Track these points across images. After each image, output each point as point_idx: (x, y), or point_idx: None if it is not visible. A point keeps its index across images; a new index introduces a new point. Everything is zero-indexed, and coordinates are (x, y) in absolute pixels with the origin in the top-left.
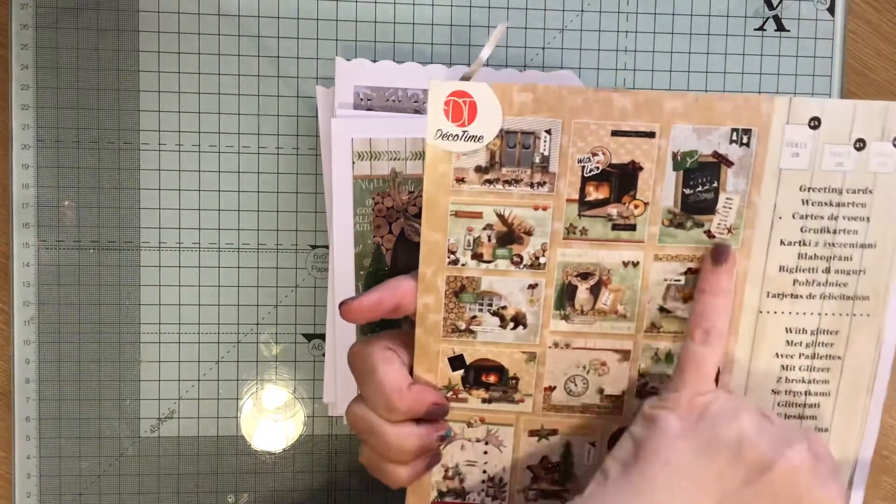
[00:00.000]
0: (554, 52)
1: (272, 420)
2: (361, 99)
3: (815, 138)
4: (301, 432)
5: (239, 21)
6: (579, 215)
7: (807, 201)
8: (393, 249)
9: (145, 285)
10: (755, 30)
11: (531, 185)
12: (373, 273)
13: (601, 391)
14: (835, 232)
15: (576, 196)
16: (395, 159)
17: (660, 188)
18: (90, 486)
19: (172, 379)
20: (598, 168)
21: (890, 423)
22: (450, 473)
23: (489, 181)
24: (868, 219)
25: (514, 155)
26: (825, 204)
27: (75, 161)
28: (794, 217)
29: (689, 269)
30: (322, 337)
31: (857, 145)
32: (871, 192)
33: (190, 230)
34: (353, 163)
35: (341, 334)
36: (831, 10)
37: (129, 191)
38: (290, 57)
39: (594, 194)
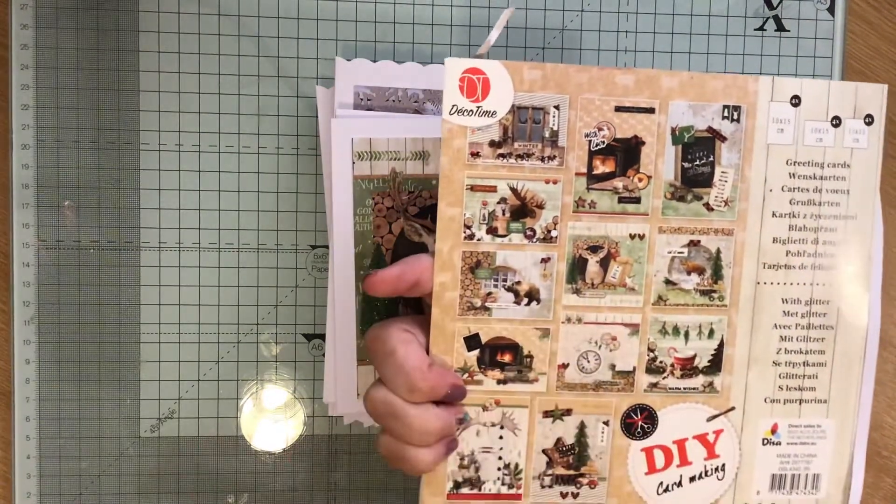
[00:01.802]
0: (554, 52)
1: (272, 420)
2: (361, 99)
3: (797, 115)
4: (301, 432)
5: (239, 21)
6: (588, 188)
7: (793, 175)
8: (393, 249)
9: (145, 285)
10: (755, 30)
11: (542, 159)
12: None
13: (612, 367)
14: (820, 204)
15: (584, 170)
16: (395, 159)
17: (661, 162)
18: (90, 486)
19: (172, 379)
20: (603, 142)
21: (890, 423)
22: (465, 462)
23: (502, 155)
24: (848, 191)
25: (526, 129)
26: (809, 177)
27: (75, 161)
28: (783, 190)
29: (692, 241)
30: (322, 337)
31: (834, 122)
32: (848, 166)
33: (190, 230)
34: (353, 163)
35: (341, 334)
36: (831, 10)
37: (129, 191)
38: (290, 57)
39: (601, 167)
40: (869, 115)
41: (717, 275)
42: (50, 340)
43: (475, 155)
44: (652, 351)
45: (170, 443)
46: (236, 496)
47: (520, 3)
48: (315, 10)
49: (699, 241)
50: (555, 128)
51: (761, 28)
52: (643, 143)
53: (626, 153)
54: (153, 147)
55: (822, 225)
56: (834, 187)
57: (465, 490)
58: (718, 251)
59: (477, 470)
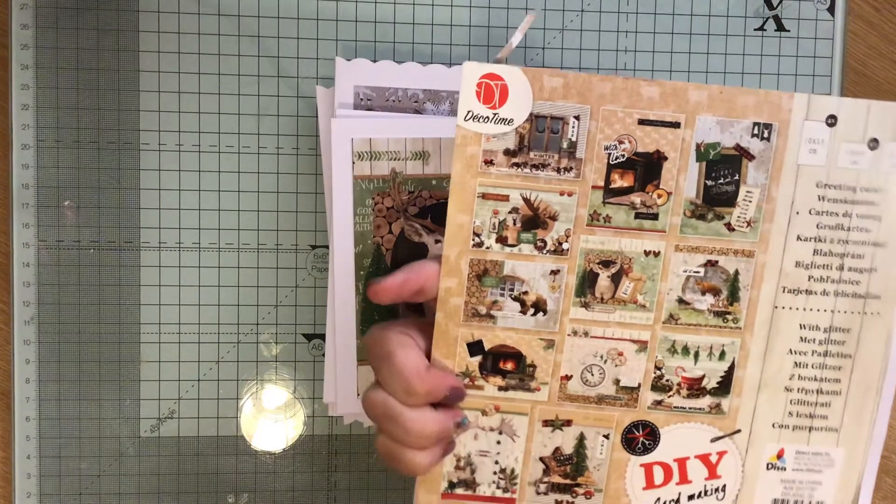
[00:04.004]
0: (554, 52)
1: (272, 420)
2: (361, 99)
3: (832, 136)
4: (301, 432)
5: (239, 21)
6: (604, 202)
7: (823, 198)
8: (393, 249)
9: (145, 285)
10: (755, 30)
11: (558, 171)
12: (373, 273)
13: (617, 382)
14: (849, 229)
15: (601, 183)
16: (395, 159)
17: (683, 178)
18: (90, 486)
19: (172, 379)
20: (623, 156)
21: (890, 423)
22: (461, 464)
23: (517, 164)
24: (880, 218)
25: (543, 139)
26: (840, 201)
27: (75, 161)
28: (810, 213)
29: (709, 261)
30: (322, 337)
31: (871, 144)
32: (883, 191)
33: (190, 230)
34: (353, 163)
35: (341, 334)
36: (831, 10)
37: (129, 191)
38: (290, 57)
39: (619, 182)
40: None
41: (733, 297)
42: (50, 340)
43: (489, 163)
44: (659, 369)
45: (170, 443)
46: (236, 496)
47: (520, 4)
48: (315, 10)
49: (717, 262)
50: (573, 139)
51: (761, 28)
52: (665, 158)
53: (646, 168)
54: (153, 147)
55: (848, 251)
56: (865, 212)
57: (459, 490)
58: (737, 273)
59: (473, 472)
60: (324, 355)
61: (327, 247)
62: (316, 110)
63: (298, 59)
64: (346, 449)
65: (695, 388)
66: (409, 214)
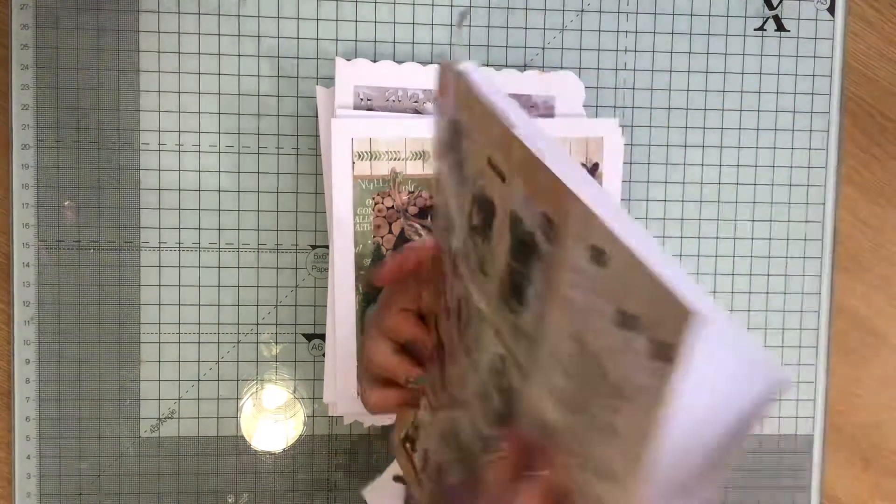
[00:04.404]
0: (554, 52)
1: (272, 420)
2: (361, 99)
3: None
4: (301, 432)
5: (239, 21)
6: (468, 234)
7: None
8: (393, 249)
9: (145, 285)
10: (755, 30)
11: (457, 183)
12: None
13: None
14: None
15: (468, 209)
16: (395, 159)
17: (501, 247)
18: (90, 486)
19: (172, 379)
20: (479, 192)
21: (890, 423)
22: (415, 422)
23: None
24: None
25: (452, 143)
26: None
27: (75, 161)
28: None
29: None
30: (322, 337)
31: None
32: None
33: (190, 230)
34: (353, 163)
35: (341, 334)
36: (831, 10)
37: (129, 191)
38: (290, 57)
39: (475, 219)
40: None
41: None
42: (50, 340)
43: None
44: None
45: (170, 443)
46: (236, 496)
47: (520, 4)
48: (315, 10)
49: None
50: (462, 154)
51: (761, 28)
52: (494, 214)
53: (485, 216)
54: (153, 147)
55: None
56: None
57: (408, 445)
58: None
59: (417, 438)
60: (324, 355)
61: (327, 247)
62: (316, 110)
63: (298, 59)
64: (346, 449)
65: None
66: (409, 214)
